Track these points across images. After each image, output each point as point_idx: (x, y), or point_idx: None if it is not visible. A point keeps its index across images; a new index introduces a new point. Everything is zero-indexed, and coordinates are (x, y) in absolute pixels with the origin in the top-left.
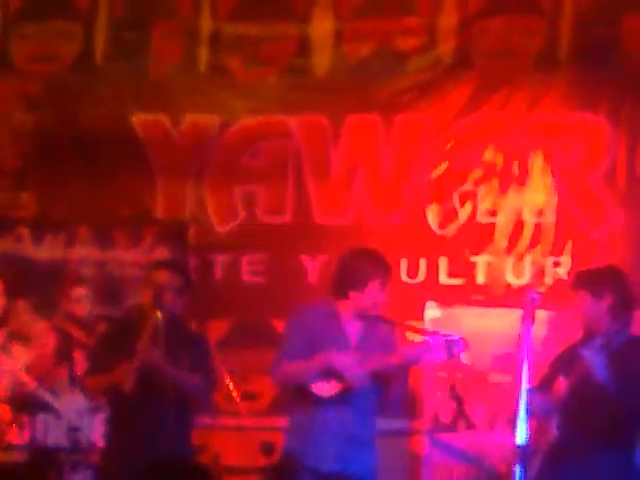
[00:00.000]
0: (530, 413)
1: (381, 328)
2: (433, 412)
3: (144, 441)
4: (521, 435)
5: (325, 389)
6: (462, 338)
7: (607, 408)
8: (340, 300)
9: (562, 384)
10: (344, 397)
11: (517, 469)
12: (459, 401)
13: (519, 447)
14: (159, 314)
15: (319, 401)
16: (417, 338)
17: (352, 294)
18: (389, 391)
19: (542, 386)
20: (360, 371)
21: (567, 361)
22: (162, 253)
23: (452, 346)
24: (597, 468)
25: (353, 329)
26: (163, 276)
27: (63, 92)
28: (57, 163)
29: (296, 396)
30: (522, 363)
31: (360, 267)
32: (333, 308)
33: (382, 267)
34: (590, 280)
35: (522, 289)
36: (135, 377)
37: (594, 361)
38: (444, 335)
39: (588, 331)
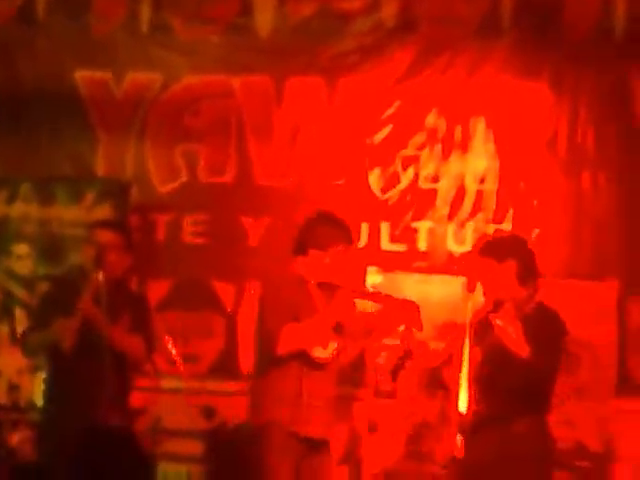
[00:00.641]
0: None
1: (340, 295)
2: (374, 379)
3: (82, 402)
4: (463, 403)
5: (323, 352)
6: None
7: (521, 375)
8: (298, 258)
9: (476, 354)
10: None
11: (458, 437)
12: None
13: (461, 415)
14: (100, 274)
15: (315, 365)
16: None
17: (312, 252)
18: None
19: (448, 354)
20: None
21: (478, 330)
22: (103, 212)
23: (407, 308)
24: (514, 435)
25: (320, 294)
26: (104, 236)
27: (3, 46)
28: None
29: (289, 361)
30: (464, 331)
31: (324, 229)
32: (299, 272)
33: (345, 231)
34: (494, 247)
35: (464, 256)
36: (74, 336)
37: (507, 328)
38: (399, 300)
39: (497, 299)
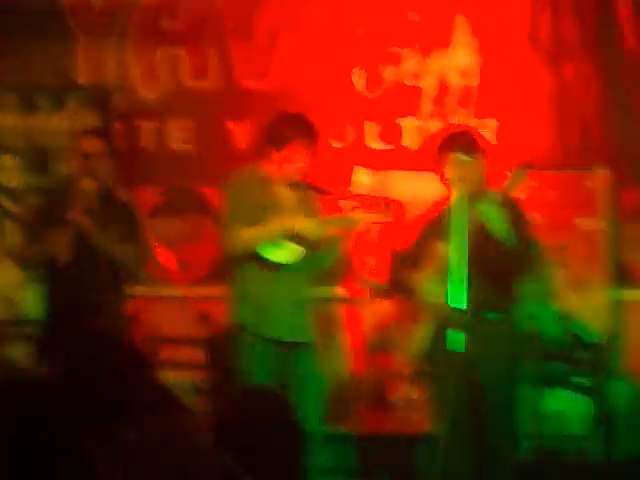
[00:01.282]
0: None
1: (313, 195)
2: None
3: (81, 312)
4: (459, 299)
5: (283, 255)
6: (397, 200)
7: (503, 261)
8: (265, 161)
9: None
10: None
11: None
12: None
13: (458, 310)
14: (89, 182)
15: (275, 268)
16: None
17: (273, 154)
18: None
19: (416, 252)
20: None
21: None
22: (87, 120)
23: (389, 207)
24: (491, 328)
25: (286, 196)
26: (91, 144)
27: None
28: None
29: (248, 264)
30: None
31: (281, 128)
32: (263, 173)
33: (304, 129)
34: (464, 141)
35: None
36: (69, 248)
37: (493, 216)
38: (379, 197)
39: (471, 189)
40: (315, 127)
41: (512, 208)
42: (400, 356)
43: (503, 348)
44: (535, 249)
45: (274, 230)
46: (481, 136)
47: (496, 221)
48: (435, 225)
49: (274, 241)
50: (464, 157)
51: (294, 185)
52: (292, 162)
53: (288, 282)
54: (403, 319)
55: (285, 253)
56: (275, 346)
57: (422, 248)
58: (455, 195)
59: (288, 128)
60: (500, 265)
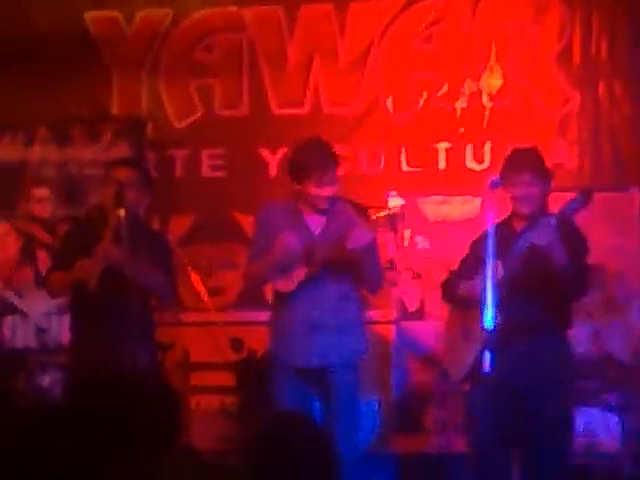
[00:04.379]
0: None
1: (342, 219)
2: (399, 300)
3: (109, 340)
4: (489, 320)
5: (286, 284)
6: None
7: (557, 286)
8: (296, 190)
9: (498, 267)
10: (308, 287)
11: (486, 354)
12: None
13: (488, 332)
14: (121, 212)
15: (284, 297)
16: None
17: (301, 186)
18: (361, 277)
19: (466, 272)
20: (322, 247)
21: (500, 244)
22: (120, 150)
23: (394, 221)
24: (541, 349)
25: (315, 221)
26: (122, 173)
27: None
28: (11, 64)
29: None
30: (486, 249)
31: (300, 159)
32: (292, 204)
33: (322, 157)
34: (535, 161)
35: (483, 175)
36: (98, 276)
37: (553, 241)
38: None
39: (533, 213)
40: (332, 150)
41: (570, 232)
42: (438, 376)
43: (555, 371)
44: (588, 274)
45: (275, 255)
46: (540, 157)
47: (552, 244)
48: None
49: (279, 272)
50: (530, 177)
51: (322, 211)
52: (318, 191)
53: (302, 308)
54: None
55: (287, 282)
56: (300, 373)
57: (471, 264)
58: (508, 215)
59: (305, 160)
60: (552, 288)
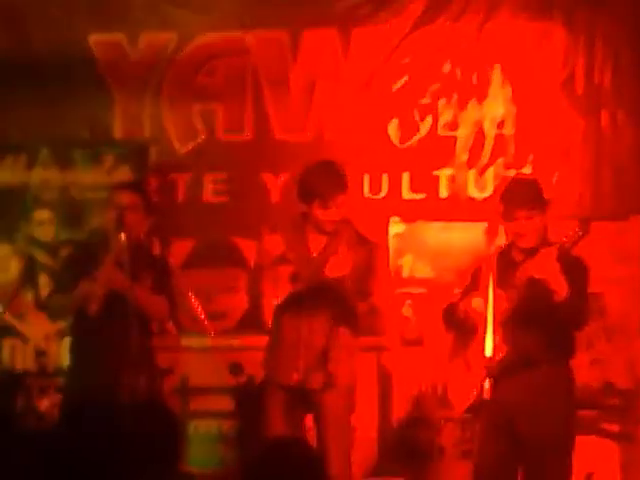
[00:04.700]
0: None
1: (342, 242)
2: (398, 328)
3: (108, 364)
4: (489, 347)
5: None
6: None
7: (558, 318)
8: (302, 210)
9: (501, 296)
10: (296, 307)
11: (487, 382)
12: None
13: (488, 359)
14: (122, 236)
15: (276, 316)
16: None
17: (309, 206)
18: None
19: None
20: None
21: (501, 274)
22: (123, 174)
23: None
24: (543, 380)
25: (316, 243)
26: (124, 197)
27: (15, 12)
28: (14, 86)
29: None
30: (487, 277)
31: (309, 182)
32: (303, 223)
33: (331, 180)
34: (533, 194)
35: (485, 202)
36: (99, 298)
37: (553, 273)
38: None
39: (532, 245)
40: (343, 174)
41: (570, 262)
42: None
43: (555, 401)
44: (588, 303)
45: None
46: (539, 189)
47: (551, 275)
48: (491, 273)
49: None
50: (528, 212)
51: (328, 234)
52: (324, 214)
53: (290, 328)
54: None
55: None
56: (291, 393)
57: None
58: (506, 245)
59: (313, 183)
60: (553, 319)
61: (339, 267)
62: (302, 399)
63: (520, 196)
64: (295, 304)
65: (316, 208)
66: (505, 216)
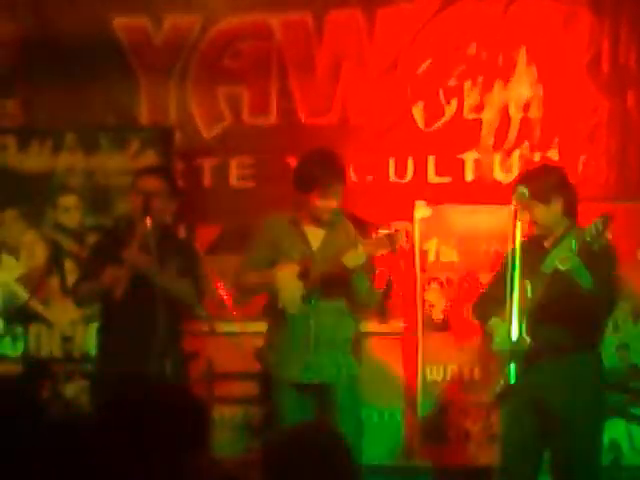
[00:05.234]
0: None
1: (342, 235)
2: (423, 312)
3: (135, 348)
4: (515, 333)
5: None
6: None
7: (584, 308)
8: (300, 200)
9: (525, 284)
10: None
11: (511, 366)
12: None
13: (514, 345)
14: (148, 221)
15: (282, 312)
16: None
17: (305, 196)
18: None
19: (496, 292)
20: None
21: (527, 260)
22: (148, 159)
23: (392, 240)
24: (571, 365)
25: (315, 235)
26: (150, 183)
27: None
28: (40, 71)
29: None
30: (512, 260)
31: (306, 171)
32: (295, 215)
33: (329, 170)
34: (536, 188)
35: (511, 185)
36: (125, 284)
37: (577, 265)
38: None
39: (544, 234)
40: (341, 164)
41: (596, 251)
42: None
43: (584, 388)
44: (615, 294)
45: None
46: (563, 177)
47: (577, 268)
48: (518, 259)
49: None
50: (539, 204)
51: (324, 224)
52: (321, 203)
53: (301, 323)
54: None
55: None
56: (300, 389)
57: (501, 283)
58: (528, 234)
59: (313, 171)
60: (579, 311)
61: (356, 258)
62: (314, 395)
63: (529, 187)
64: (303, 298)
65: (314, 198)
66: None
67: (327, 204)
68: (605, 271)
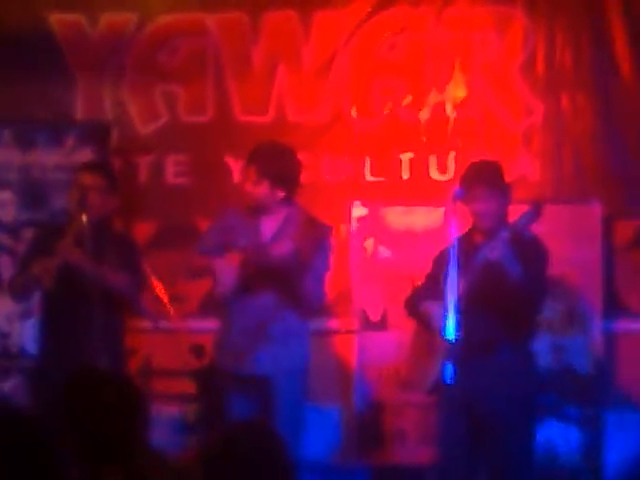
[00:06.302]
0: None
1: (296, 226)
2: (361, 310)
3: (72, 345)
4: (450, 331)
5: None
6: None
7: (513, 301)
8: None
9: (460, 281)
10: (244, 294)
11: (448, 366)
12: None
13: (449, 343)
14: (84, 216)
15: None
16: None
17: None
18: (300, 284)
19: (428, 289)
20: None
21: (461, 258)
22: (84, 155)
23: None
24: (502, 364)
25: (268, 227)
26: (87, 178)
27: None
28: None
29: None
30: (448, 260)
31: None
32: (252, 207)
33: (254, 155)
34: (493, 175)
35: (447, 185)
36: (55, 274)
37: (506, 255)
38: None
39: (492, 227)
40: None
41: (525, 246)
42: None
43: (515, 385)
44: (545, 287)
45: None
46: (500, 171)
47: (507, 259)
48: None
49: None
50: (487, 192)
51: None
52: (250, 189)
53: (243, 314)
54: (413, 351)
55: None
56: (240, 381)
57: (435, 280)
58: (468, 228)
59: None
60: (508, 303)
61: (283, 247)
62: (255, 388)
63: (480, 175)
64: (242, 289)
65: (247, 184)
66: (465, 197)
67: (253, 190)
68: (535, 263)
